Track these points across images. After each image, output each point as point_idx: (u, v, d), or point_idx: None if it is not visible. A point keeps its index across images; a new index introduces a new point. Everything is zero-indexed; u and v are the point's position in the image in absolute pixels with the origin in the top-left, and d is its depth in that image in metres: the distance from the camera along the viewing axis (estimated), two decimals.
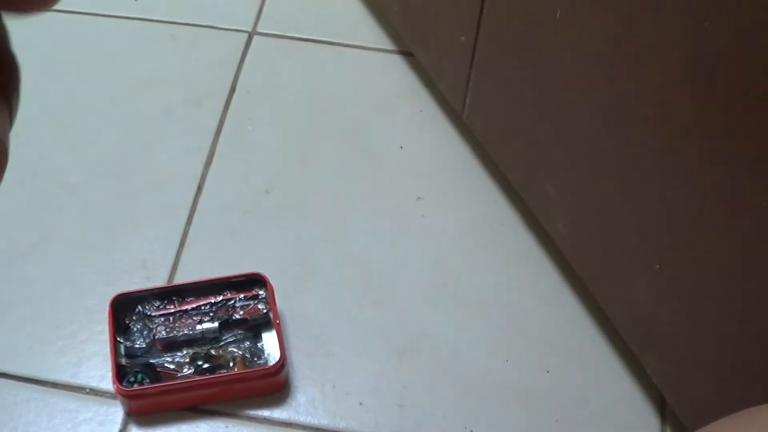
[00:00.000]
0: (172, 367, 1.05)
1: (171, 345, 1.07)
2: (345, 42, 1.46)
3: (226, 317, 1.07)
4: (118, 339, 1.06)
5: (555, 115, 1.03)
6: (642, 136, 0.88)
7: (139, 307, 1.09)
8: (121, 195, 1.25)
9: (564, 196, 1.07)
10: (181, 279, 1.16)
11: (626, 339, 1.05)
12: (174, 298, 1.09)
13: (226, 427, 1.05)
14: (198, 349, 1.06)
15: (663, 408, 1.07)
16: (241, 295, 1.09)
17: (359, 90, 1.40)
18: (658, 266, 0.92)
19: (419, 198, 1.25)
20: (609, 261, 1.03)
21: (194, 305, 1.08)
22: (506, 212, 1.24)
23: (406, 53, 1.43)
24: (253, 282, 1.10)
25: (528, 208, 1.17)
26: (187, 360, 1.05)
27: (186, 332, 1.06)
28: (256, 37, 1.46)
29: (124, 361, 1.05)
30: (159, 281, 1.16)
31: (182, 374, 1.05)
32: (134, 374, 1.03)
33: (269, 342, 1.07)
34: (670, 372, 1.00)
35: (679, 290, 0.92)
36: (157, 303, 1.09)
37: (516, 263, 1.20)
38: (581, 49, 0.94)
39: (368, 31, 1.48)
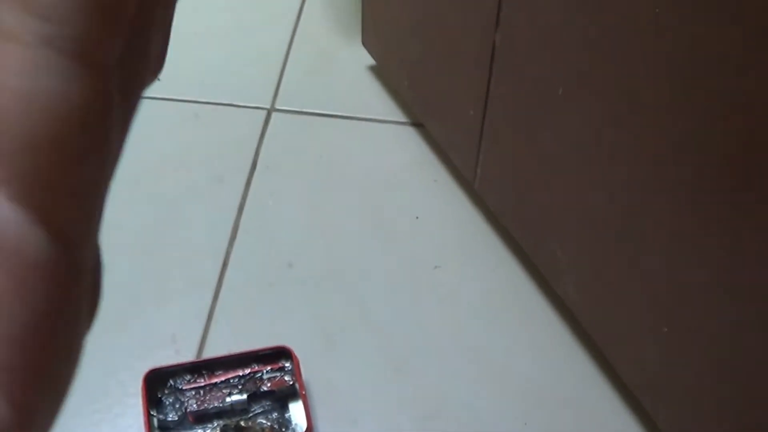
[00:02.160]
0: None
1: (202, 417, 1.10)
2: (359, 115, 1.52)
3: (254, 389, 1.11)
4: (152, 412, 1.10)
5: (561, 184, 1.07)
6: (645, 205, 0.92)
7: (171, 381, 1.12)
8: (149, 271, 1.30)
9: (573, 261, 1.11)
10: (209, 353, 1.20)
11: (639, 397, 1.07)
12: (204, 372, 1.13)
13: None
14: (228, 421, 1.10)
15: None
16: (268, 368, 1.13)
17: (375, 161, 1.45)
18: (665, 329, 0.95)
19: (436, 267, 1.30)
20: (618, 323, 1.06)
21: (223, 378, 1.12)
22: (519, 277, 1.28)
23: (419, 125, 1.49)
24: (279, 354, 1.13)
25: (540, 273, 1.21)
26: (218, 431, 1.09)
27: (216, 404, 1.10)
28: (274, 114, 1.52)
29: None
30: (188, 355, 1.20)
31: None
32: None
33: (296, 412, 1.11)
34: (682, 430, 1.02)
35: (687, 352, 0.94)
36: (188, 377, 1.13)
37: (531, 327, 1.23)
38: (582, 123, 0.98)
39: (381, 104, 1.53)
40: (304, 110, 1.53)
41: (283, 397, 1.12)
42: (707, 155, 0.81)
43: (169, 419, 1.10)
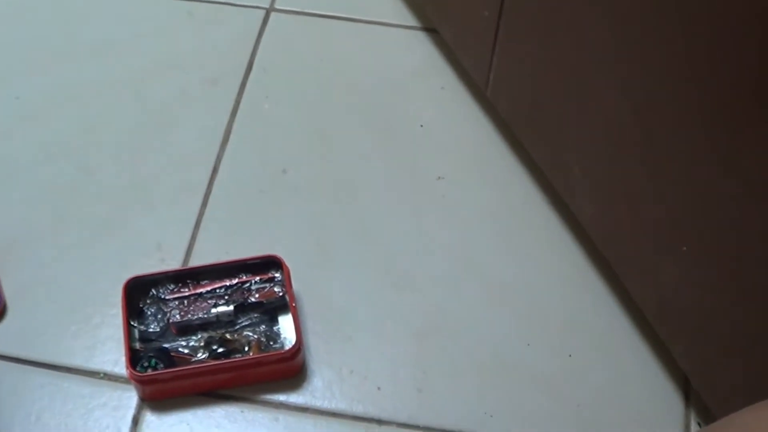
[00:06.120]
0: (186, 351, 1.04)
1: (185, 329, 1.05)
2: (365, 18, 1.44)
3: (242, 300, 1.06)
4: (132, 323, 1.05)
5: (581, 94, 1.01)
6: (670, 117, 0.86)
7: (153, 291, 1.07)
8: (136, 176, 1.24)
9: (590, 177, 1.05)
10: (196, 261, 1.14)
11: (652, 322, 1.03)
12: (188, 281, 1.08)
13: (242, 411, 1.03)
14: (213, 333, 1.05)
15: (688, 391, 1.05)
16: (257, 278, 1.07)
17: (379, 67, 1.38)
18: (684, 248, 0.91)
19: (439, 178, 1.23)
20: (635, 243, 1.01)
21: (209, 288, 1.07)
22: (530, 192, 1.22)
23: (429, 29, 1.41)
24: (268, 264, 1.08)
25: (553, 188, 1.15)
26: (202, 344, 1.04)
27: (201, 316, 1.05)
28: (273, 14, 1.44)
29: (138, 345, 1.04)
30: (174, 264, 1.14)
31: (197, 359, 1.03)
32: (148, 359, 1.02)
33: (285, 325, 1.06)
34: (696, 356, 0.98)
35: (705, 273, 0.90)
36: (172, 286, 1.08)
37: (540, 244, 1.18)
38: (608, 26, 0.92)
39: (389, 6, 1.45)
40: (306, 11, 1.45)
41: (271, 309, 1.07)
42: (739, 59, 0.74)
43: (151, 330, 1.06)
